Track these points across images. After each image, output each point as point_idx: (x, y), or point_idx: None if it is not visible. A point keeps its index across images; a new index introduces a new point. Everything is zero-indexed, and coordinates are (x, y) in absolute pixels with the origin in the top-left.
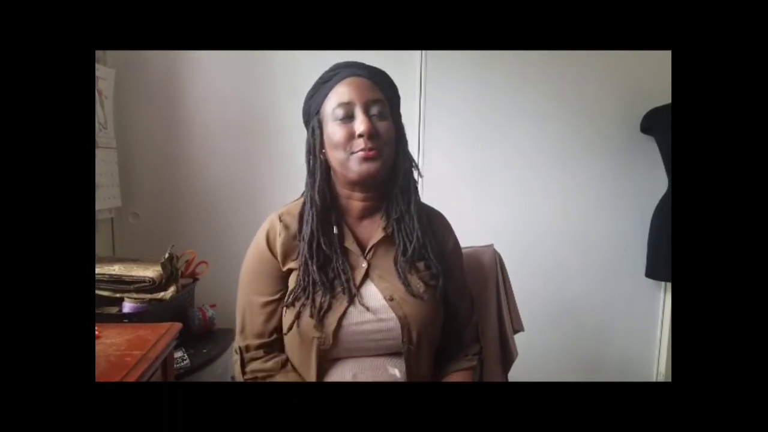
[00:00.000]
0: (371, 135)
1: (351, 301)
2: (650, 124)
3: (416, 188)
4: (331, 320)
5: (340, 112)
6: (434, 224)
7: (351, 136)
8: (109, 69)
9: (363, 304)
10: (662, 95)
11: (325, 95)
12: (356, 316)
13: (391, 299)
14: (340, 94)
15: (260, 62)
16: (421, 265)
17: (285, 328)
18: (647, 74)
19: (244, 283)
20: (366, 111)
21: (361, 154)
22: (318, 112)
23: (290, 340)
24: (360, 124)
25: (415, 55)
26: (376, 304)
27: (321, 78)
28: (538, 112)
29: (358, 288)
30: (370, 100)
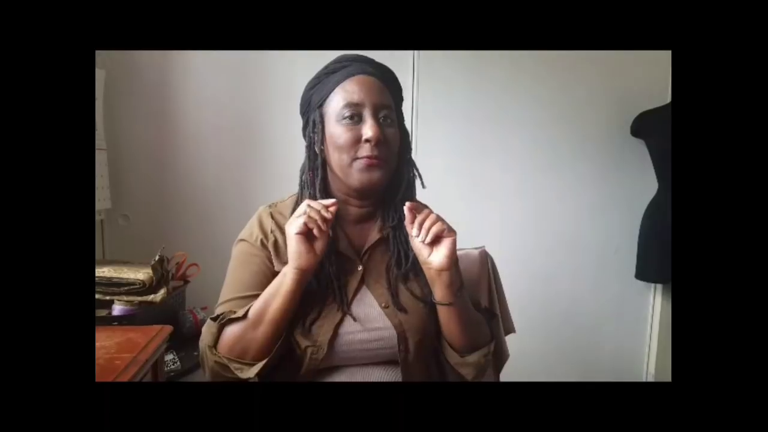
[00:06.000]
0: (379, 141)
1: (346, 309)
2: (640, 127)
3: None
4: (326, 329)
5: (347, 113)
6: None
7: (357, 140)
8: (100, 70)
9: (358, 312)
10: (652, 99)
11: (331, 89)
12: (352, 325)
13: (386, 306)
14: (349, 92)
15: (252, 65)
16: (413, 275)
17: None
18: (638, 78)
19: (232, 271)
20: (375, 115)
21: (365, 161)
22: (321, 106)
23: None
24: (368, 129)
25: (407, 60)
26: (373, 312)
27: (326, 68)
28: (528, 116)
29: (354, 294)
30: (380, 104)
